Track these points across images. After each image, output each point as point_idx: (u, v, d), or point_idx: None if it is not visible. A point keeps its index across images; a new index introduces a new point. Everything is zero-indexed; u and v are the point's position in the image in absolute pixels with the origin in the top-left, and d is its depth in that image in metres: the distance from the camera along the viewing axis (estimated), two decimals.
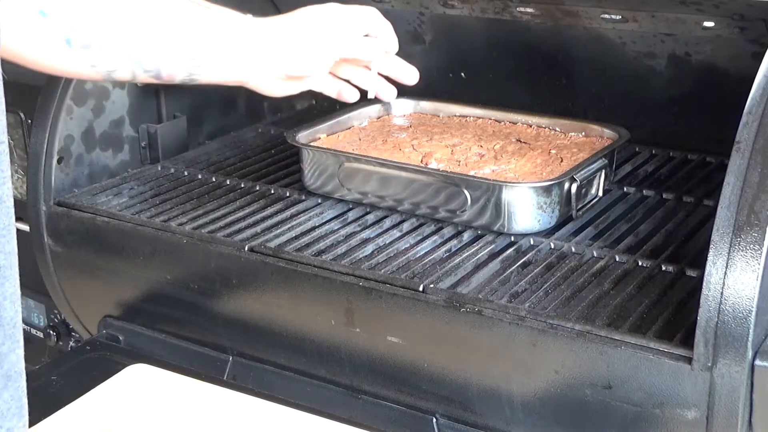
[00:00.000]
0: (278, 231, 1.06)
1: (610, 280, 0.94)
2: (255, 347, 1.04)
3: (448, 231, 1.05)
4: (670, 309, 0.88)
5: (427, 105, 1.31)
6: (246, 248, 1.02)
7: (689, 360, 0.79)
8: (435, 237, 1.04)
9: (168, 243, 1.07)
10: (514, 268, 0.98)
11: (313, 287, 0.97)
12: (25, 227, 1.23)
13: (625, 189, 1.15)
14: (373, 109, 1.30)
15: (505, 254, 1.01)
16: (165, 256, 1.08)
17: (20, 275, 0.63)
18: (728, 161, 0.81)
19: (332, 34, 0.95)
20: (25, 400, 0.59)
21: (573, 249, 1.01)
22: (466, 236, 1.05)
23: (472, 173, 1.08)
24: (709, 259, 0.78)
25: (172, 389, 0.97)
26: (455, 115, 1.30)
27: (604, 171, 1.08)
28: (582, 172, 1.05)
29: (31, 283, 1.33)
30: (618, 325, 0.86)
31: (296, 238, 1.05)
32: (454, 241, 1.04)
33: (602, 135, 1.17)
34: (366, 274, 0.95)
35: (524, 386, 0.88)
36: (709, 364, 0.78)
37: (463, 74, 1.38)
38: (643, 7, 1.12)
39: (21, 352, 0.58)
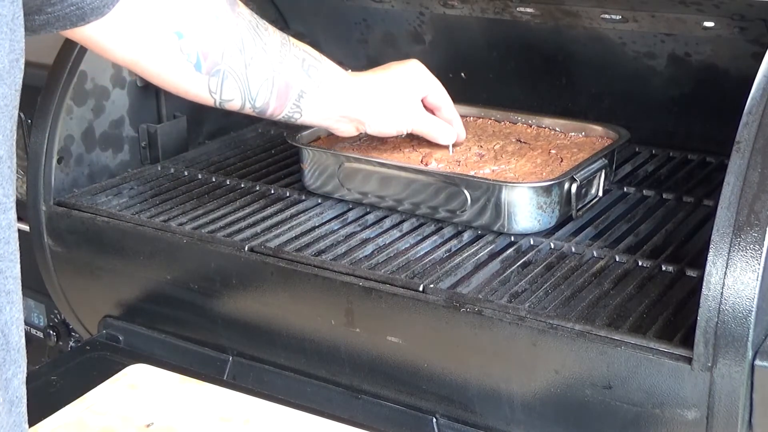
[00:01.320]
0: (278, 231, 1.06)
1: (610, 280, 0.94)
2: (255, 347, 1.04)
3: (448, 231, 1.05)
4: (670, 309, 0.88)
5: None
6: (246, 248, 1.02)
7: (689, 360, 0.79)
8: (435, 237, 1.04)
9: (168, 243, 1.07)
10: (514, 268, 0.98)
11: (313, 287, 0.97)
12: (25, 227, 1.23)
13: (625, 189, 1.15)
14: None
15: (505, 254, 1.01)
16: (165, 256, 1.08)
17: (21, 275, 0.63)
18: (728, 161, 0.81)
19: (415, 107, 1.10)
20: (26, 426, 0.59)
21: (573, 249, 1.01)
22: (466, 236, 1.05)
23: (471, 173, 1.08)
24: (709, 259, 0.78)
25: (172, 389, 0.97)
26: None
27: (604, 171, 1.08)
28: (582, 172, 1.04)
29: (31, 283, 1.33)
30: (618, 325, 0.86)
31: (296, 238, 1.05)
32: (454, 241, 1.04)
33: (602, 135, 1.17)
34: (366, 274, 0.95)
35: (524, 386, 0.88)
36: (709, 364, 0.78)
37: (463, 74, 1.38)
38: (643, 7, 1.12)
39: (23, 377, 0.58)
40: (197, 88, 0.93)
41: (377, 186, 1.10)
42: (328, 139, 1.21)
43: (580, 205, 1.05)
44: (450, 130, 1.13)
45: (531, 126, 1.23)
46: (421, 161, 1.12)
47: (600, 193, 1.09)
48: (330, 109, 1.04)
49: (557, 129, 1.21)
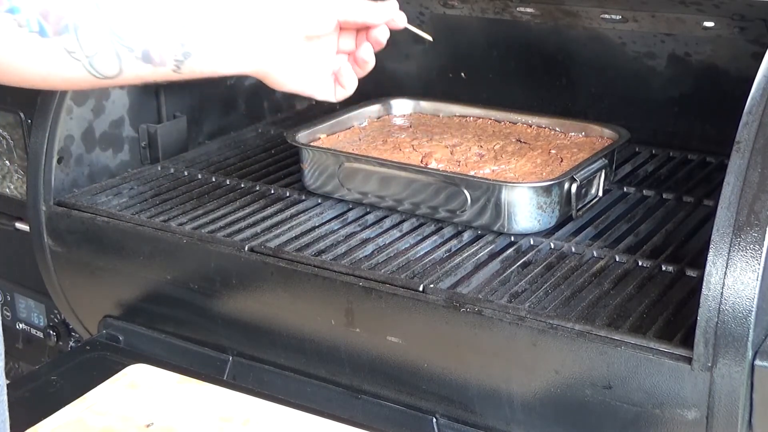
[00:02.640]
0: (278, 231, 1.06)
1: (610, 280, 0.94)
2: (255, 347, 1.04)
3: (448, 231, 1.05)
4: (670, 309, 0.88)
5: (427, 105, 1.31)
6: (246, 248, 1.02)
7: (689, 360, 0.79)
8: (435, 237, 1.04)
9: (168, 243, 1.07)
10: (514, 268, 0.98)
11: (313, 287, 0.97)
12: (25, 227, 1.23)
13: (625, 189, 1.15)
14: (373, 109, 1.29)
15: (505, 254, 1.01)
16: (165, 256, 1.08)
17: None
18: (728, 161, 0.81)
19: None
20: (7, 415, 0.58)
21: (573, 249, 1.01)
22: (466, 236, 1.05)
23: (471, 173, 1.08)
24: (709, 259, 0.78)
25: (172, 389, 0.97)
26: (455, 115, 1.29)
27: (604, 171, 1.08)
28: (582, 172, 1.04)
29: (31, 283, 1.33)
30: (618, 325, 0.86)
31: (296, 238, 1.05)
32: (454, 241, 1.04)
33: (602, 135, 1.17)
34: (366, 274, 0.95)
35: (524, 386, 0.88)
36: (709, 364, 0.78)
37: (463, 74, 1.38)
38: (643, 7, 1.12)
39: (2, 365, 0.57)
40: (54, 60, 0.74)
41: (377, 186, 1.09)
42: (329, 139, 1.21)
43: (580, 205, 1.05)
44: (381, 6, 0.90)
45: (531, 126, 1.23)
46: (421, 161, 1.12)
47: (600, 193, 1.08)
48: (232, 37, 0.79)
49: (557, 129, 1.21)
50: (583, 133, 1.19)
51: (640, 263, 0.97)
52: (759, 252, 0.77)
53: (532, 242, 1.03)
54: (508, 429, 0.90)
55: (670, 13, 1.12)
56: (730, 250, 0.77)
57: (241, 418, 0.92)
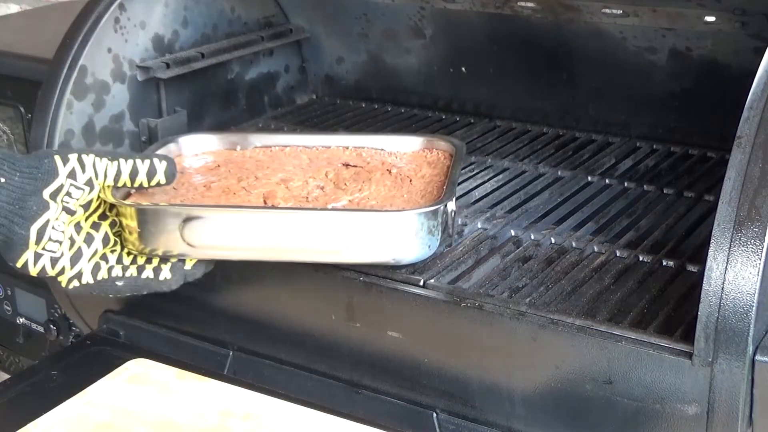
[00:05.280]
0: None
1: (611, 275, 0.94)
2: (255, 342, 1.04)
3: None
4: (670, 304, 0.88)
5: (215, 140, 1.12)
6: None
7: (690, 355, 0.79)
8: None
9: None
10: (514, 263, 0.98)
11: (313, 282, 0.97)
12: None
13: (625, 184, 1.15)
14: (171, 148, 1.09)
15: (505, 249, 1.00)
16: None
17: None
18: (729, 156, 0.81)
19: None
20: None
21: (573, 244, 1.01)
22: (467, 231, 1.05)
23: (330, 207, 0.96)
24: (709, 254, 0.78)
25: (173, 384, 0.97)
26: (256, 146, 1.12)
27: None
28: (455, 189, 0.96)
29: (32, 278, 1.33)
30: (619, 320, 0.86)
31: None
32: (455, 236, 1.03)
33: (428, 147, 1.08)
34: (366, 268, 0.95)
35: (525, 381, 0.88)
36: (710, 360, 0.78)
37: (463, 69, 1.38)
38: (644, 1, 1.12)
39: None
40: None
41: (237, 237, 0.91)
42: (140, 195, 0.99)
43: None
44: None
45: (347, 148, 1.10)
46: (265, 203, 0.98)
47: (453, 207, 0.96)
48: None
49: (376, 147, 1.09)
50: (405, 147, 1.09)
51: (640, 258, 0.97)
52: (760, 247, 0.77)
53: (532, 237, 1.03)
54: (508, 424, 0.90)
55: (671, 7, 1.12)
56: (730, 246, 0.77)
57: (242, 413, 0.92)
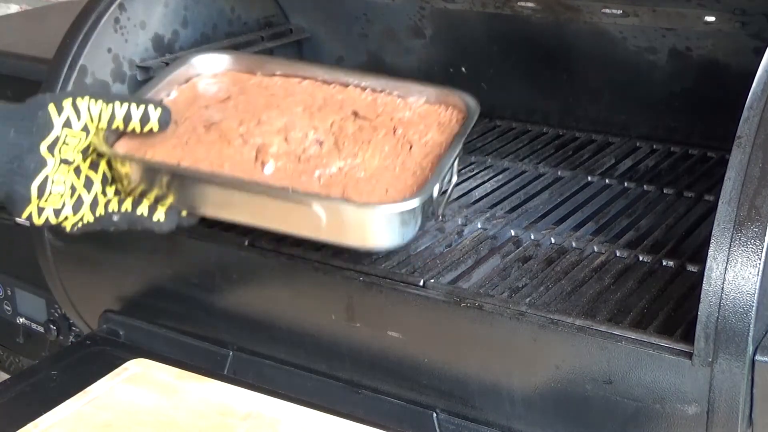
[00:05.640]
0: None
1: (611, 275, 0.94)
2: (255, 342, 1.04)
3: (449, 226, 1.05)
4: (670, 304, 0.88)
5: (241, 60, 1.11)
6: (246, 243, 1.02)
7: (690, 355, 0.79)
8: (435, 231, 1.04)
9: (168, 238, 1.06)
10: (514, 263, 0.98)
11: (313, 282, 0.97)
12: (26, 222, 1.23)
13: (625, 184, 1.15)
14: (180, 72, 1.08)
15: (505, 249, 1.00)
16: (165, 251, 1.08)
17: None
18: (729, 156, 0.81)
19: None
20: None
21: (573, 244, 1.01)
22: (467, 231, 1.05)
23: (317, 173, 0.94)
24: (709, 254, 0.78)
25: (173, 384, 0.97)
26: (276, 74, 1.09)
27: (459, 156, 0.97)
28: (444, 173, 0.92)
29: (32, 278, 1.33)
30: (619, 320, 0.86)
31: None
32: (455, 236, 1.04)
33: (444, 101, 1.03)
34: (366, 268, 0.95)
35: (525, 381, 0.88)
36: (710, 360, 0.78)
37: (463, 68, 1.38)
38: (644, 1, 1.12)
39: None
40: None
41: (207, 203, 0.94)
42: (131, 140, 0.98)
43: (440, 202, 0.93)
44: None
45: (365, 89, 1.06)
46: (256, 159, 0.96)
47: (454, 179, 0.97)
48: None
49: (395, 93, 1.04)
50: (424, 98, 1.03)
51: (640, 258, 0.97)
52: (760, 247, 0.77)
53: (532, 237, 1.03)
54: (508, 424, 0.90)
55: (671, 7, 1.12)
56: (730, 245, 0.77)
57: (242, 413, 0.92)
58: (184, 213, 0.95)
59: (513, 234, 1.03)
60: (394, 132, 0.99)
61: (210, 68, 1.09)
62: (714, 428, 0.79)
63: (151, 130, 0.95)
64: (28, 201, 0.89)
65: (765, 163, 0.79)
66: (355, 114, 1.02)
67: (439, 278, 0.93)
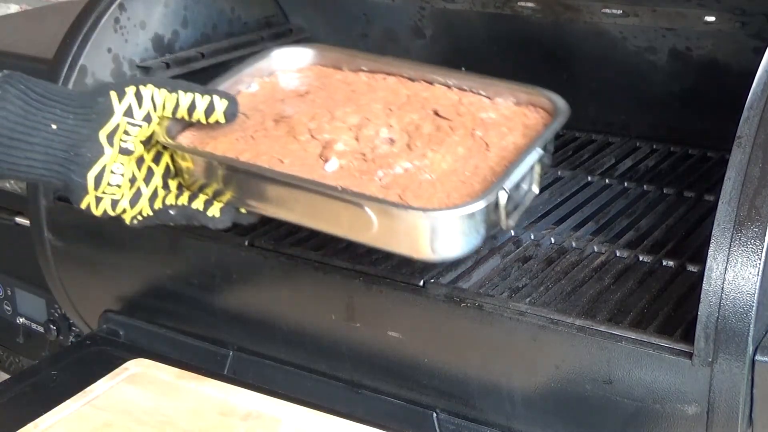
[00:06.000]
0: (278, 225, 1.06)
1: (611, 275, 0.94)
2: (255, 342, 1.04)
3: None
4: (670, 304, 0.88)
5: (327, 54, 1.07)
6: (246, 243, 1.02)
7: (690, 355, 0.79)
8: None
9: (168, 237, 1.06)
10: (514, 263, 0.98)
11: (313, 282, 0.97)
12: (26, 222, 1.23)
13: (625, 184, 1.15)
14: (265, 64, 1.05)
15: (505, 249, 1.00)
16: (165, 251, 1.08)
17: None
18: (729, 156, 0.81)
19: None
20: None
21: (574, 244, 1.01)
22: None
23: (380, 174, 0.88)
24: (709, 254, 0.78)
25: (173, 384, 0.97)
26: (361, 70, 1.05)
27: (540, 163, 0.90)
28: (512, 178, 0.85)
29: (32, 278, 1.33)
30: (619, 320, 0.86)
31: (296, 232, 1.05)
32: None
33: (534, 102, 0.97)
34: (366, 268, 0.95)
35: (525, 381, 0.88)
36: (710, 360, 0.78)
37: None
38: (644, 1, 1.12)
39: None
40: None
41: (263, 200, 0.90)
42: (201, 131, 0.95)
43: (512, 213, 0.87)
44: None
45: (451, 88, 1.01)
46: (321, 156, 0.91)
47: (535, 189, 0.91)
48: None
49: (482, 92, 1.00)
50: (513, 100, 0.98)
51: (640, 258, 0.97)
52: (760, 247, 0.77)
53: (532, 237, 1.03)
54: (508, 424, 0.90)
55: (671, 7, 1.12)
56: (730, 245, 0.77)
57: (242, 413, 0.92)
58: (242, 210, 0.92)
59: (513, 234, 1.03)
60: (473, 134, 0.93)
61: (295, 62, 1.06)
62: (714, 428, 0.79)
63: (217, 122, 0.92)
64: (85, 191, 0.88)
65: (765, 163, 0.79)
66: (436, 113, 0.97)
67: (439, 278, 0.93)
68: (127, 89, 0.87)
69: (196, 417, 0.92)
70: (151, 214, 0.93)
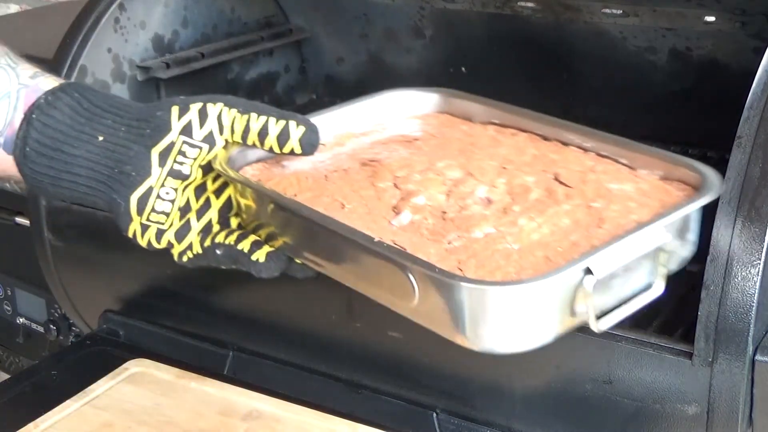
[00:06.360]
0: None
1: None
2: (255, 342, 1.04)
3: None
4: (670, 304, 0.88)
5: (459, 103, 0.96)
6: None
7: (690, 355, 0.79)
8: None
9: None
10: None
11: (313, 282, 0.97)
12: (26, 222, 1.23)
13: None
14: (389, 107, 0.94)
15: None
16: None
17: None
18: (729, 156, 0.81)
19: None
20: None
21: None
22: None
23: (450, 237, 0.72)
24: (709, 254, 0.78)
25: (173, 384, 0.97)
26: (491, 122, 0.92)
27: (665, 247, 0.71)
28: (605, 254, 0.67)
29: (32, 278, 1.33)
30: None
31: None
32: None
33: (685, 178, 0.79)
34: None
35: (525, 381, 0.88)
36: (710, 360, 0.78)
37: (463, 69, 1.38)
38: (644, 1, 1.12)
39: None
40: None
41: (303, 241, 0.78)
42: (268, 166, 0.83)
43: (608, 311, 0.69)
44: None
45: (586, 152, 0.85)
46: (394, 207, 0.77)
47: (660, 286, 0.72)
48: None
49: (622, 161, 0.83)
50: (660, 173, 0.80)
51: None
52: (760, 247, 0.77)
53: None
54: (508, 424, 0.90)
55: (671, 7, 1.12)
56: (731, 245, 0.77)
57: (242, 413, 0.92)
58: (297, 260, 0.79)
59: None
60: (588, 205, 0.76)
61: (420, 107, 0.95)
62: (714, 428, 0.79)
63: (292, 152, 0.77)
64: (129, 215, 0.77)
65: (765, 163, 0.79)
66: (556, 178, 0.80)
67: None
68: (192, 105, 0.77)
69: (196, 417, 0.92)
70: (200, 251, 0.81)
